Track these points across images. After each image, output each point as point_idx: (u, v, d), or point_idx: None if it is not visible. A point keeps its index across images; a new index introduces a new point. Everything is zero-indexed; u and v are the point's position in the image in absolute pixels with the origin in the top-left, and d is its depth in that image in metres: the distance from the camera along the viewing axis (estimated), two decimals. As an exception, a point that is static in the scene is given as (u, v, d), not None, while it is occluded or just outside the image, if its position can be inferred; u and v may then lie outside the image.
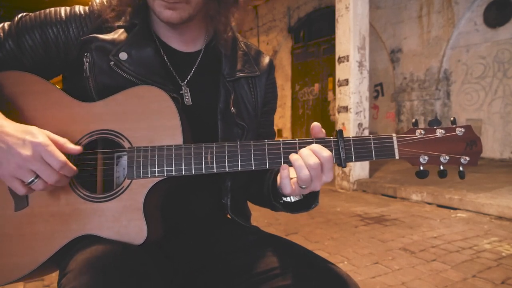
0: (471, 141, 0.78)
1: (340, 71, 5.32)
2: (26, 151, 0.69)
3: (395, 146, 0.78)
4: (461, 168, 0.78)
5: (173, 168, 0.76)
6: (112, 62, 0.85)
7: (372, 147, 0.78)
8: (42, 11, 0.88)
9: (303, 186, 0.75)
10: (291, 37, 9.88)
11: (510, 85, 6.24)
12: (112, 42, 0.87)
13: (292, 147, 0.77)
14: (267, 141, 0.77)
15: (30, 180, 0.71)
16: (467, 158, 0.78)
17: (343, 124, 5.31)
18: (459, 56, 6.86)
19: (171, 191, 0.87)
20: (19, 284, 2.21)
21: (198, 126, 0.87)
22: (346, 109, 5.26)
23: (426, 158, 0.78)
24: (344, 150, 0.77)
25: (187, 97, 0.92)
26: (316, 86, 9.22)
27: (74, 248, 0.73)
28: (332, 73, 8.14)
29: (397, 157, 0.78)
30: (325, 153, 0.74)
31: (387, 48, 7.82)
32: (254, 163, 0.76)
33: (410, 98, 7.44)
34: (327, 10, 8.56)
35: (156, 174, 0.76)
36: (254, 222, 1.02)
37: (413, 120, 0.80)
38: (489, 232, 3.19)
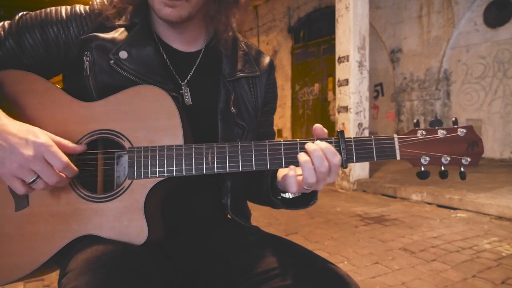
0: (472, 142, 0.78)
1: (340, 71, 5.32)
2: (29, 151, 0.69)
3: (396, 146, 0.78)
4: (462, 169, 0.78)
5: (174, 168, 0.76)
6: (112, 61, 0.85)
7: (374, 148, 0.77)
8: (43, 10, 0.88)
9: (308, 188, 0.75)
10: (291, 37, 9.88)
11: (510, 85, 6.24)
12: (112, 41, 0.86)
13: (293, 148, 0.76)
14: (268, 142, 0.77)
15: (32, 180, 0.71)
16: (468, 159, 0.77)
17: (343, 124, 5.31)
18: (459, 56, 6.86)
19: (172, 191, 0.87)
20: (19, 284, 2.20)
21: (198, 126, 0.87)
22: (346, 109, 5.26)
23: (428, 159, 0.77)
24: (345, 151, 0.76)
25: (187, 96, 0.92)
26: (316, 86, 9.22)
27: (74, 248, 0.73)
28: (332, 73, 8.14)
29: (398, 158, 0.77)
30: (336, 159, 0.74)
31: (387, 48, 7.82)
32: (255, 164, 0.76)
33: (410, 98, 7.44)
34: (327, 10, 8.56)
35: (157, 175, 0.76)
36: (254, 222, 1.02)
37: (414, 121, 0.80)
38: (489, 232, 3.19)
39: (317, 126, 0.78)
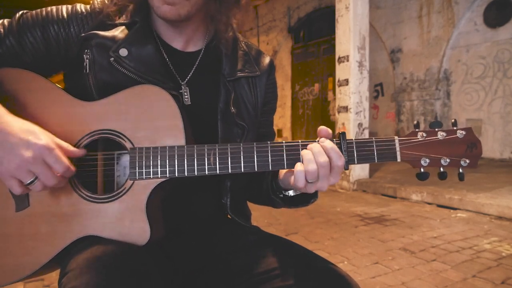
0: (471, 144, 0.79)
1: (340, 71, 5.32)
2: (28, 153, 0.69)
3: (397, 149, 0.78)
4: (460, 170, 0.79)
5: (176, 169, 0.75)
6: (112, 58, 0.85)
7: (375, 150, 0.78)
8: (44, 9, 0.88)
9: (310, 181, 0.75)
10: (291, 37, 9.88)
11: (510, 85, 6.24)
12: (113, 38, 0.86)
13: (295, 149, 0.77)
14: (270, 143, 0.77)
15: (30, 181, 0.70)
16: (467, 161, 0.78)
17: (343, 124, 5.31)
18: (459, 56, 6.86)
19: (172, 191, 0.87)
20: (19, 284, 2.21)
21: (198, 126, 0.87)
22: (346, 109, 5.26)
23: (427, 160, 0.78)
24: (346, 152, 0.77)
25: (186, 96, 0.92)
26: (316, 86, 9.22)
27: (75, 248, 0.73)
28: (332, 73, 8.14)
29: (399, 159, 0.78)
30: (340, 162, 0.75)
31: (387, 48, 7.82)
32: (257, 165, 0.76)
33: (410, 98, 7.44)
34: (327, 10, 8.56)
35: (159, 175, 0.76)
36: (254, 222, 1.02)
37: (415, 122, 0.80)
38: (489, 232, 3.19)
39: (323, 128, 0.79)
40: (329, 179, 0.75)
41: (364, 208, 4.15)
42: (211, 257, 0.90)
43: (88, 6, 0.90)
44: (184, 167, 0.76)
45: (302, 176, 0.74)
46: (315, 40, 9.22)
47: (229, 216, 0.99)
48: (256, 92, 1.02)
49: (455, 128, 0.79)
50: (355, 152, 0.77)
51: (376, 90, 8.25)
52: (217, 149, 0.76)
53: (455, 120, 0.81)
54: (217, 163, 0.76)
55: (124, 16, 0.91)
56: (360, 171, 5.35)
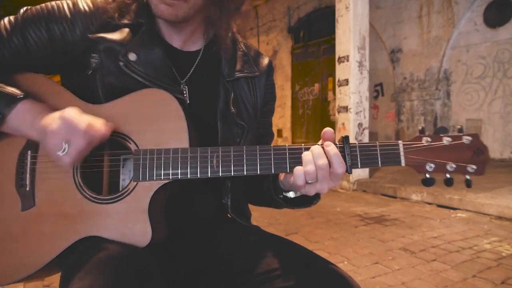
0: (478, 150, 0.77)
1: (340, 71, 5.32)
2: (55, 125, 0.74)
3: (401, 153, 0.77)
4: (467, 177, 0.78)
5: (179, 171, 0.76)
6: (122, 63, 0.85)
7: (378, 154, 0.77)
8: (44, 5, 0.86)
9: (309, 181, 0.75)
10: (291, 37, 9.88)
11: (510, 85, 6.24)
12: (121, 43, 0.86)
13: (298, 153, 0.77)
14: (273, 147, 0.77)
15: (63, 148, 0.73)
16: (474, 167, 0.77)
17: (343, 124, 5.31)
18: (459, 56, 6.86)
19: (174, 193, 0.87)
20: (19, 284, 2.20)
21: (197, 126, 0.87)
22: (346, 109, 5.26)
23: (433, 166, 0.77)
24: (350, 156, 0.76)
25: (185, 95, 0.92)
26: (316, 86, 9.22)
27: (78, 249, 0.74)
28: (332, 73, 8.14)
29: (403, 164, 0.77)
30: (340, 170, 0.75)
31: (387, 48, 7.83)
32: (259, 168, 0.77)
33: (410, 98, 7.44)
34: (327, 10, 8.56)
35: (162, 177, 0.76)
36: (254, 222, 1.03)
37: (420, 127, 0.80)
38: (489, 232, 3.19)
39: (327, 130, 0.78)
40: (329, 182, 0.75)
41: (364, 208, 4.15)
42: (213, 257, 0.91)
43: (90, 4, 0.88)
44: (187, 169, 0.76)
45: (302, 175, 0.74)
46: (315, 40, 9.22)
47: (229, 215, 0.99)
48: (255, 93, 1.02)
49: (461, 134, 0.78)
50: (358, 156, 0.77)
51: (376, 90, 8.25)
52: (220, 152, 0.76)
53: (462, 126, 0.79)
54: (220, 165, 0.76)
55: (127, 16, 0.89)
56: (360, 171, 5.35)
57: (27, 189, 0.80)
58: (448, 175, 0.77)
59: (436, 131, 0.79)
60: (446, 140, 0.77)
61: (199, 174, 0.76)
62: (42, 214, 0.79)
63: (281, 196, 0.89)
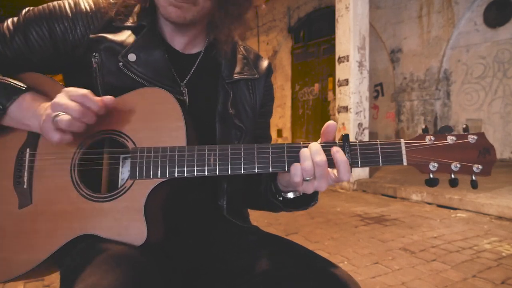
0: (484, 149, 0.74)
1: (340, 71, 5.32)
2: (56, 99, 0.74)
3: (403, 152, 0.74)
4: (473, 177, 0.75)
5: (176, 169, 0.76)
6: (121, 63, 0.86)
7: (379, 153, 0.74)
8: (46, 5, 0.87)
9: (306, 178, 0.74)
10: (291, 37, 9.88)
11: (510, 85, 6.24)
12: (121, 43, 0.87)
13: (296, 151, 0.75)
14: (271, 145, 0.76)
15: (55, 114, 0.72)
16: (480, 167, 0.73)
17: (343, 124, 5.31)
18: (459, 56, 6.86)
19: (172, 191, 0.87)
20: (19, 284, 2.20)
21: (196, 127, 0.87)
22: (346, 109, 5.26)
23: (436, 165, 0.74)
24: (350, 155, 0.74)
25: (185, 97, 0.92)
26: (316, 86, 9.22)
27: (76, 248, 0.74)
28: (332, 73, 8.14)
29: (405, 163, 0.74)
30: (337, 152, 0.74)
31: (387, 48, 7.83)
32: (257, 166, 0.75)
33: (410, 98, 7.44)
34: (327, 10, 8.56)
35: (159, 175, 0.76)
36: (254, 222, 1.02)
37: (423, 127, 0.77)
38: (489, 232, 3.19)
39: (332, 123, 0.76)
40: (327, 180, 0.75)
41: (364, 208, 4.15)
42: (210, 256, 0.90)
43: (92, 4, 0.89)
44: (184, 167, 0.76)
45: (299, 172, 0.73)
46: (315, 40, 9.22)
47: (225, 215, 0.99)
48: (255, 95, 1.03)
49: (466, 133, 0.75)
50: (359, 155, 0.75)
51: (376, 90, 8.25)
52: (217, 150, 0.76)
53: (467, 125, 0.76)
54: (217, 164, 0.76)
55: (130, 18, 0.91)
56: (360, 171, 5.35)
57: (25, 186, 0.80)
58: (452, 175, 0.75)
59: (440, 131, 0.76)
60: (450, 139, 0.74)
61: (196, 172, 0.76)
62: (39, 212, 0.79)
63: (279, 198, 0.88)
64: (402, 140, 0.75)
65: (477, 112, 6.67)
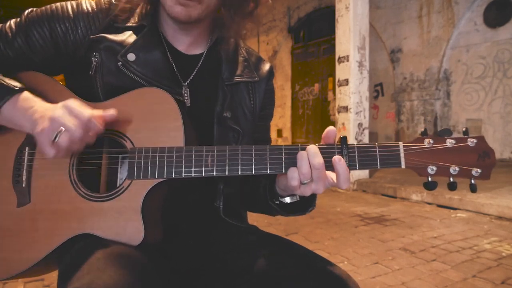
0: (483, 153, 0.73)
1: (340, 71, 5.32)
2: (56, 112, 0.73)
3: (402, 155, 0.74)
4: (472, 181, 0.74)
5: (173, 170, 0.76)
6: (120, 63, 0.86)
7: (377, 155, 0.74)
8: (48, 6, 0.88)
9: (304, 181, 0.74)
10: (291, 37, 9.88)
11: (510, 85, 6.24)
12: (121, 43, 0.87)
13: (294, 153, 0.75)
14: (269, 146, 0.76)
15: (55, 135, 0.71)
16: (479, 171, 0.73)
17: (343, 124, 5.31)
18: (459, 56, 6.86)
19: (170, 191, 0.87)
20: (19, 284, 2.21)
21: (196, 128, 0.87)
22: (346, 109, 5.26)
23: (435, 168, 0.73)
24: (347, 157, 0.74)
25: (187, 97, 0.93)
26: (316, 86, 9.22)
27: (74, 248, 0.74)
28: (332, 73, 8.14)
29: (403, 166, 0.74)
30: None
31: (387, 48, 7.83)
32: (254, 168, 0.75)
33: (410, 98, 7.44)
34: (327, 10, 8.56)
35: (156, 176, 0.76)
36: (254, 222, 1.02)
37: (422, 129, 0.76)
38: (489, 232, 3.19)
39: (330, 130, 0.77)
40: (325, 183, 0.74)
41: (364, 208, 4.15)
42: (210, 257, 0.90)
43: (94, 4, 0.89)
44: (181, 168, 0.76)
45: (296, 175, 0.73)
46: (315, 40, 9.22)
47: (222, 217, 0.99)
48: (254, 98, 1.02)
49: (465, 136, 0.75)
50: (356, 158, 0.74)
51: (376, 90, 8.25)
52: (215, 151, 0.76)
53: (467, 128, 0.76)
54: (215, 165, 0.76)
55: (132, 19, 0.91)
56: (360, 171, 5.35)
57: (23, 185, 0.81)
58: (451, 179, 0.74)
59: (440, 134, 0.75)
60: (449, 142, 0.74)
61: (193, 173, 0.76)
62: (37, 211, 0.79)
63: (277, 202, 0.88)
64: (400, 143, 0.75)
65: (477, 112, 6.67)
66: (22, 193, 0.80)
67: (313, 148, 0.73)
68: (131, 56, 0.86)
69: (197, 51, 0.98)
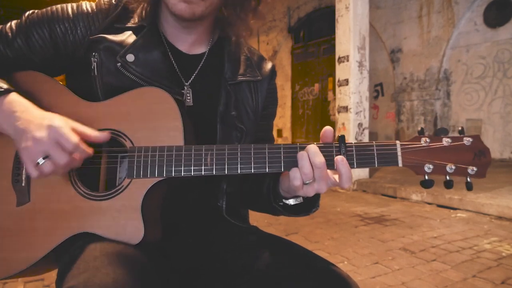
0: (479, 151, 0.75)
1: (340, 71, 5.32)
2: (41, 133, 0.72)
3: (399, 153, 0.75)
4: (468, 179, 0.75)
5: (173, 169, 0.76)
6: (119, 63, 0.86)
7: (375, 154, 0.75)
8: (49, 8, 0.89)
9: (306, 181, 0.74)
10: (291, 37, 9.88)
11: (510, 85, 6.24)
12: (120, 43, 0.87)
13: (293, 152, 0.76)
14: (268, 145, 0.77)
15: (39, 160, 0.71)
16: (475, 169, 0.75)
17: (343, 124, 5.31)
18: (459, 56, 6.86)
19: (170, 191, 0.87)
20: (19, 284, 2.21)
21: (198, 127, 0.88)
22: (346, 109, 5.26)
23: (431, 167, 0.75)
24: (345, 156, 0.75)
25: (189, 97, 0.93)
26: (316, 86, 9.22)
27: (73, 246, 0.74)
28: (332, 73, 8.14)
29: (400, 164, 0.75)
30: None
31: (387, 48, 7.83)
32: (253, 166, 0.76)
33: (410, 98, 7.44)
34: (327, 10, 8.56)
35: (156, 174, 0.76)
36: (254, 222, 1.02)
37: (419, 128, 0.78)
38: (489, 232, 3.19)
39: (327, 129, 0.77)
40: (327, 182, 0.75)
41: (364, 208, 4.15)
42: (210, 256, 0.90)
43: (93, 5, 0.90)
44: (181, 167, 0.76)
45: (298, 175, 0.73)
46: (315, 40, 9.22)
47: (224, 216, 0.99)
48: (257, 97, 1.02)
49: (461, 135, 0.76)
50: (354, 156, 0.75)
51: (376, 90, 8.25)
52: (214, 150, 0.76)
53: (462, 127, 0.77)
54: (214, 164, 0.76)
55: (132, 19, 0.91)
56: (360, 171, 5.35)
57: (23, 184, 0.81)
58: (447, 177, 0.75)
59: (436, 133, 0.77)
60: (445, 141, 0.75)
61: (193, 172, 0.76)
62: (37, 210, 0.79)
63: (281, 204, 0.88)
64: (397, 142, 0.76)
65: (477, 112, 6.67)
66: (21, 192, 0.80)
67: (313, 148, 0.74)
68: (130, 57, 0.87)
69: (198, 50, 0.98)
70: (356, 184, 5.28)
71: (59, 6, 0.89)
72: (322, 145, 0.76)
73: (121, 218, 0.76)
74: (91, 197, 0.78)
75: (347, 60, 5.19)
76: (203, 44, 0.99)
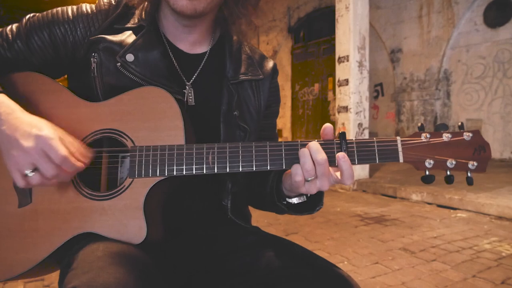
0: (479, 146, 0.75)
1: (340, 71, 5.32)
2: (29, 143, 0.70)
3: (400, 149, 0.75)
4: (469, 174, 0.76)
5: (174, 168, 0.76)
6: (119, 63, 0.86)
7: (376, 150, 0.75)
8: (50, 11, 0.89)
9: (308, 178, 0.74)
10: (291, 37, 9.88)
11: (510, 85, 6.24)
12: (120, 43, 0.88)
13: (294, 149, 0.76)
14: (269, 143, 0.77)
15: (27, 172, 0.70)
16: (475, 164, 0.75)
17: (343, 124, 5.31)
18: (459, 56, 6.86)
19: (173, 191, 0.87)
20: (19, 284, 2.21)
21: (200, 127, 0.88)
22: (346, 109, 5.26)
23: (432, 162, 0.75)
24: (346, 152, 0.75)
25: (191, 97, 0.93)
26: (316, 86, 9.22)
27: (75, 247, 0.74)
28: (332, 73, 8.14)
29: (401, 160, 0.75)
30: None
31: (387, 48, 7.83)
32: (255, 164, 0.76)
33: (410, 98, 7.44)
34: (327, 10, 8.57)
35: (157, 174, 0.76)
36: (254, 222, 1.02)
37: (419, 124, 0.78)
38: (489, 232, 3.19)
39: (328, 126, 0.78)
40: (329, 179, 0.75)
41: (364, 208, 4.15)
42: (211, 257, 0.90)
43: (93, 6, 0.90)
44: (183, 166, 0.76)
45: (299, 170, 0.73)
46: (315, 40, 9.22)
47: (229, 216, 0.99)
48: (259, 96, 1.03)
49: (461, 130, 0.76)
50: (355, 153, 0.76)
51: (376, 90, 8.25)
52: (216, 149, 0.76)
53: (462, 123, 0.77)
54: (216, 162, 0.76)
55: (132, 20, 0.91)
56: (360, 171, 5.35)
57: None
58: (448, 172, 0.76)
59: (436, 128, 0.77)
60: (446, 137, 0.76)
61: (195, 170, 0.76)
62: (39, 211, 0.79)
63: (284, 202, 0.88)
64: (398, 138, 0.76)
65: (477, 112, 6.67)
66: (23, 194, 0.79)
67: (315, 145, 0.74)
68: (130, 57, 0.87)
69: (200, 50, 0.98)
70: (356, 184, 5.28)
71: (59, 8, 0.90)
72: (323, 142, 0.76)
73: (124, 217, 0.76)
74: (93, 197, 0.78)
75: (347, 60, 5.19)
76: (204, 44, 0.99)
